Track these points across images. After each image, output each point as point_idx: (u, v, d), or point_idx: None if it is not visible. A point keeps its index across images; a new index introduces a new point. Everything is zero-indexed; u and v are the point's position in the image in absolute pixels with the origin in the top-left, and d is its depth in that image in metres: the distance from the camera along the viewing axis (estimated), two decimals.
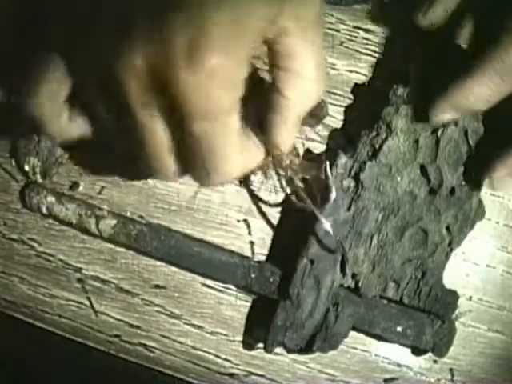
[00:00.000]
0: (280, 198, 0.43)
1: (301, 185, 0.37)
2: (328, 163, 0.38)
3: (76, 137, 0.33)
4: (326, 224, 0.37)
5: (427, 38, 0.40)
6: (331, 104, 0.43)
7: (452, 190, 0.40)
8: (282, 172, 0.36)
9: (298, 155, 0.38)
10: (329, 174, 0.38)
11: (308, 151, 0.42)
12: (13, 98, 0.38)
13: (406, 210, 0.40)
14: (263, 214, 0.43)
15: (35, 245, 0.43)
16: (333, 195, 0.38)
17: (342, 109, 0.43)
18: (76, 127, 0.32)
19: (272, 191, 0.43)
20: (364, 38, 0.44)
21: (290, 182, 0.38)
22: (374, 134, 0.40)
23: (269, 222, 0.43)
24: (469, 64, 0.35)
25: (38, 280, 0.43)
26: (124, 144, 0.31)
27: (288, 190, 0.40)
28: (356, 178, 0.39)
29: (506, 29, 0.33)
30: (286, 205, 0.42)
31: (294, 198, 0.38)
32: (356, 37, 0.44)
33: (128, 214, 0.43)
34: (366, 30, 0.44)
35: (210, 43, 0.26)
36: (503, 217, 0.43)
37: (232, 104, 0.28)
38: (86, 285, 0.43)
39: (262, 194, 0.43)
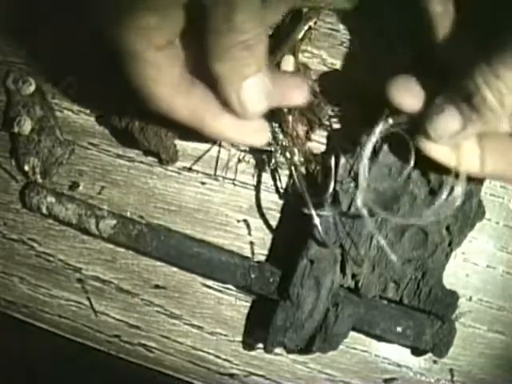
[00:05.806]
0: (280, 197, 0.43)
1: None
2: (333, 161, 0.39)
3: None
4: (315, 216, 0.38)
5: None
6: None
7: (452, 191, 0.40)
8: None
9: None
10: (332, 170, 0.38)
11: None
12: None
13: (406, 210, 0.40)
14: (262, 215, 0.43)
15: (35, 245, 0.43)
16: (331, 188, 0.38)
17: None
18: None
19: (272, 191, 0.43)
20: None
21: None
22: None
23: (267, 223, 0.43)
24: None
25: (37, 280, 0.43)
26: None
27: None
28: (356, 178, 0.39)
29: None
30: (285, 205, 0.42)
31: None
32: None
33: (128, 214, 0.43)
34: None
35: None
36: (503, 217, 0.43)
37: None
38: (86, 285, 0.43)
39: (263, 194, 0.43)
